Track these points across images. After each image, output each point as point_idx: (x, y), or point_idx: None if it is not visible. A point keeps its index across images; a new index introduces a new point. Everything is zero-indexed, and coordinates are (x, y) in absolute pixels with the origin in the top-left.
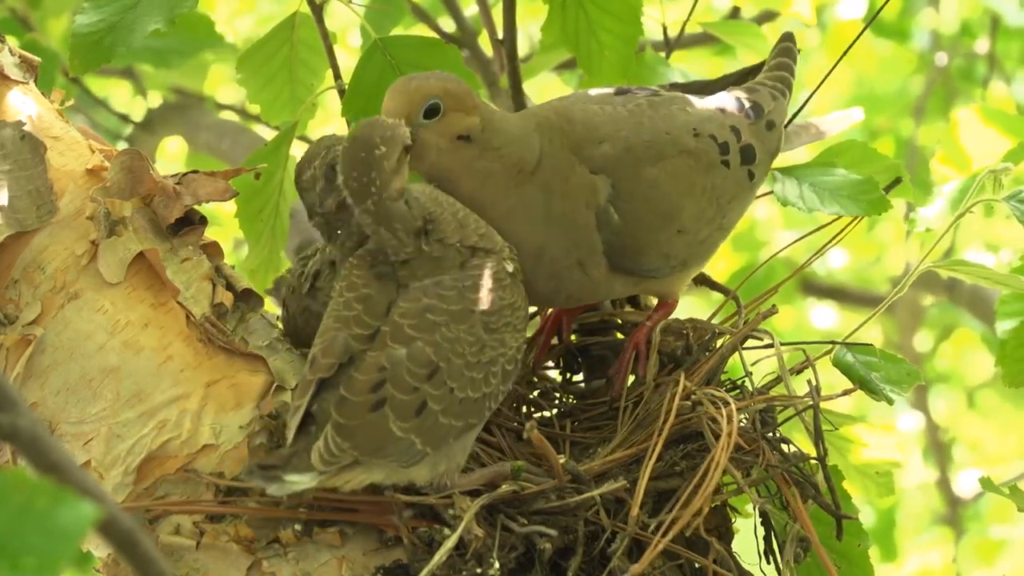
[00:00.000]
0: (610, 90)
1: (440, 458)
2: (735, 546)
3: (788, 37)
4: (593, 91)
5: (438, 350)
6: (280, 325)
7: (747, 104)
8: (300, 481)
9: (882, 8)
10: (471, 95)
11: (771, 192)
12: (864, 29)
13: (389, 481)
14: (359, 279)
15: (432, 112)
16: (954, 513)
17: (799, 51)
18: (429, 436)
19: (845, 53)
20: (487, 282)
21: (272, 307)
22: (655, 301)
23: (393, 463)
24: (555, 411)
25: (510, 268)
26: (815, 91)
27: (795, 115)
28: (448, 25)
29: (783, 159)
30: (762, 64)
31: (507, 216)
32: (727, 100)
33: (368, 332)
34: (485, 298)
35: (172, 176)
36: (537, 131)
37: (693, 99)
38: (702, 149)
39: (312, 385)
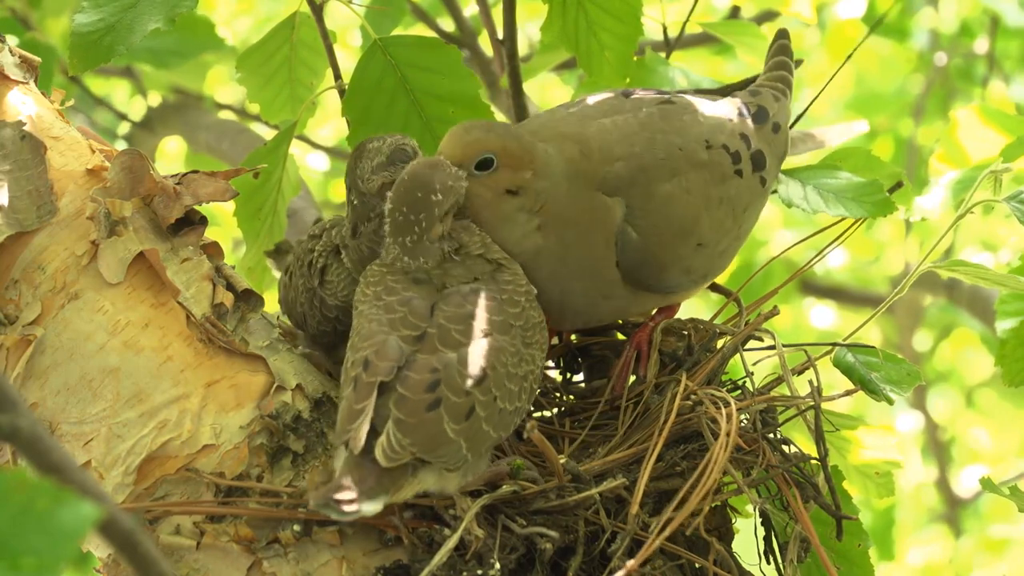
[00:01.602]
0: (613, 93)
1: (470, 469)
2: (735, 546)
3: (783, 35)
4: (597, 96)
5: (486, 357)
6: (278, 326)
7: (752, 109)
8: (373, 508)
9: (886, 14)
10: (529, 152)
11: (773, 191)
12: (868, 34)
13: (435, 488)
14: (396, 283)
15: (485, 165)
16: (953, 512)
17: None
18: (473, 442)
19: (848, 58)
20: (521, 298)
21: (272, 307)
22: None
23: (441, 467)
24: (556, 410)
25: (535, 290)
26: (818, 95)
27: (799, 118)
28: (448, 25)
29: (786, 162)
30: None
31: (518, 259)
32: (733, 106)
33: (416, 334)
34: (522, 313)
35: (172, 176)
36: (568, 183)
37: (703, 107)
38: (715, 161)
39: (374, 388)
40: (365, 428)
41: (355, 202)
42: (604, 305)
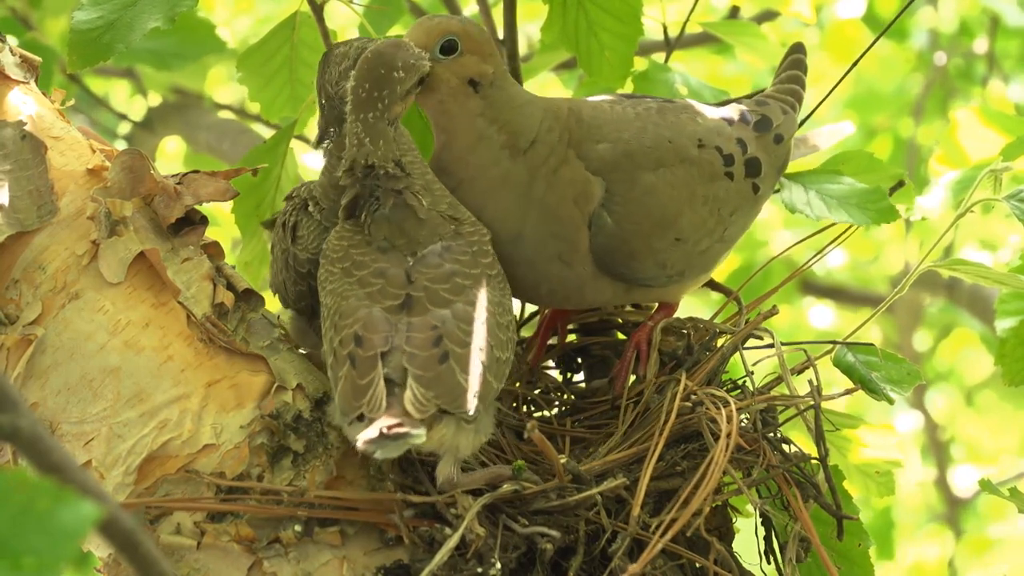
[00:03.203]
0: (614, 96)
1: (482, 424)
2: (736, 546)
3: (798, 48)
4: (596, 98)
5: (477, 309)
6: (279, 326)
7: (755, 117)
8: (417, 435)
9: (894, 21)
10: (491, 44)
11: (776, 191)
12: (875, 41)
13: (453, 441)
14: (364, 255)
15: (449, 49)
16: (952, 511)
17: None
18: (482, 393)
19: (854, 65)
20: (489, 248)
21: (272, 307)
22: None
23: (460, 419)
24: (556, 410)
25: (490, 236)
26: (820, 103)
27: (804, 121)
28: None
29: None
30: None
31: (489, 190)
32: (735, 112)
33: (398, 302)
34: (493, 262)
35: (173, 176)
36: (542, 113)
37: (703, 109)
38: (705, 159)
39: (376, 360)
40: (382, 391)
41: (324, 105)
42: (557, 268)
